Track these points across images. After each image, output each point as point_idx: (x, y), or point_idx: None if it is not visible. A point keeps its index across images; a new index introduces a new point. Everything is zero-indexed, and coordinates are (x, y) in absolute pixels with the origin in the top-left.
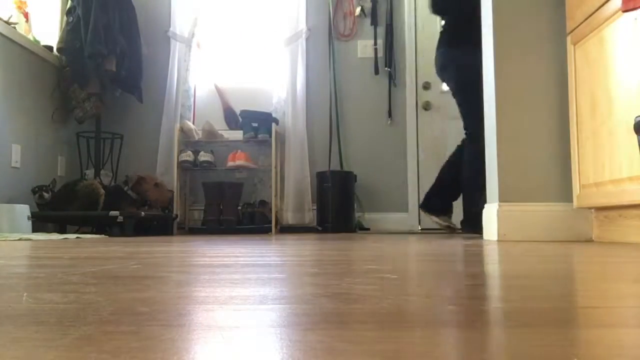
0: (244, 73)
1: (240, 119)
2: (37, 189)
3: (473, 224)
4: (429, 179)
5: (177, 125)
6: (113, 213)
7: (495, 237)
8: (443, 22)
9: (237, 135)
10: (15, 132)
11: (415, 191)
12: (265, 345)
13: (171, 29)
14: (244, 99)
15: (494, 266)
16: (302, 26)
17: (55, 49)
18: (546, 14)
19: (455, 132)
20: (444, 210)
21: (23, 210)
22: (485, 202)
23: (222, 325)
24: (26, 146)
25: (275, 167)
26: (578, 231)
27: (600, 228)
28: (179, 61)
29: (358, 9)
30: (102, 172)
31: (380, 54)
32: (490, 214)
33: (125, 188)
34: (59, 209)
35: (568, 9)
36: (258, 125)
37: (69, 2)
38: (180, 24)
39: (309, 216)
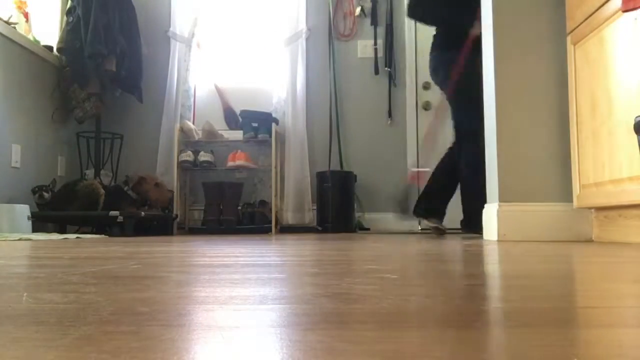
0: (244, 73)
1: (240, 119)
2: (37, 189)
3: (473, 224)
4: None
5: (177, 125)
6: (113, 213)
7: (495, 237)
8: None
9: (237, 135)
10: (15, 132)
11: (415, 191)
12: (265, 345)
13: (171, 29)
14: (244, 99)
15: (494, 266)
16: (302, 26)
17: (55, 49)
18: (546, 14)
19: None
20: (431, 212)
21: (23, 210)
22: (484, 202)
23: (222, 325)
24: (26, 146)
25: (275, 167)
26: (578, 231)
27: (600, 228)
28: (179, 61)
29: (358, 9)
30: (102, 172)
31: (380, 54)
32: (490, 214)
33: (126, 188)
34: (59, 209)
35: (568, 9)
36: (258, 125)
37: (69, 2)
38: (180, 24)
39: (309, 216)
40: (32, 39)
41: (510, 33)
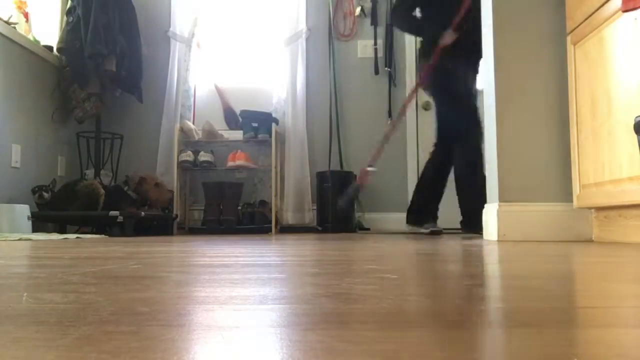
0: (244, 73)
1: (240, 119)
2: (37, 189)
3: (473, 224)
4: None
5: (177, 125)
6: (113, 213)
7: (495, 237)
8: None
9: (237, 135)
10: (15, 132)
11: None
12: (265, 345)
13: (171, 29)
14: (244, 99)
15: (494, 266)
16: (302, 26)
17: (55, 49)
18: (546, 14)
19: None
20: (424, 219)
21: (23, 210)
22: (483, 201)
23: (222, 325)
24: (26, 146)
25: (275, 167)
26: (578, 231)
27: (600, 228)
28: (179, 61)
29: (358, 9)
30: (102, 172)
31: (380, 54)
32: (490, 214)
33: (126, 188)
34: (59, 209)
35: (568, 9)
36: (258, 125)
37: (69, 2)
38: (180, 24)
39: (309, 216)
40: (32, 39)
41: (510, 33)
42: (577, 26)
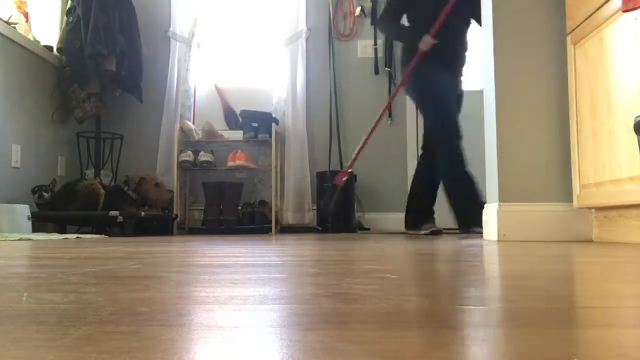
0: (244, 73)
1: (240, 119)
2: (37, 189)
3: (470, 222)
4: None
5: (177, 125)
6: (113, 213)
7: (495, 237)
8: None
9: (237, 135)
10: (15, 132)
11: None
12: (265, 345)
13: (171, 29)
14: (244, 99)
15: (494, 266)
16: (302, 26)
17: (55, 49)
18: (546, 13)
19: None
20: (422, 221)
21: (23, 210)
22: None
23: (222, 325)
24: (26, 146)
25: (275, 167)
26: (578, 231)
27: (600, 228)
28: (179, 61)
29: (358, 9)
30: (102, 172)
31: (380, 54)
32: (490, 214)
33: (126, 188)
34: (59, 209)
35: (568, 9)
36: (258, 125)
37: (69, 2)
38: (180, 24)
39: (309, 216)
40: (32, 39)
41: (510, 33)
42: (577, 26)
